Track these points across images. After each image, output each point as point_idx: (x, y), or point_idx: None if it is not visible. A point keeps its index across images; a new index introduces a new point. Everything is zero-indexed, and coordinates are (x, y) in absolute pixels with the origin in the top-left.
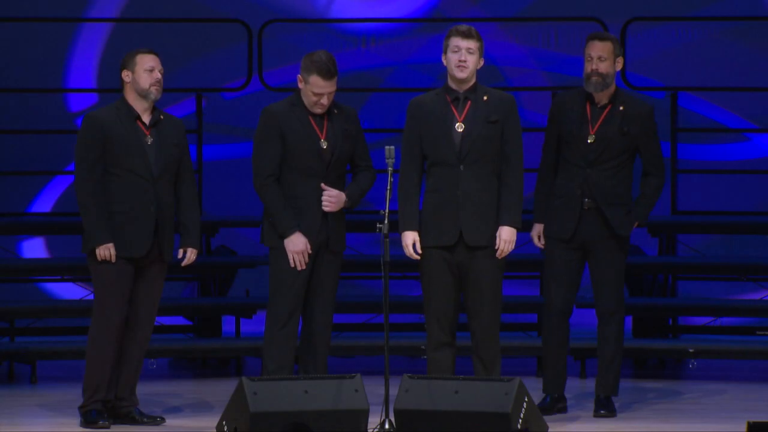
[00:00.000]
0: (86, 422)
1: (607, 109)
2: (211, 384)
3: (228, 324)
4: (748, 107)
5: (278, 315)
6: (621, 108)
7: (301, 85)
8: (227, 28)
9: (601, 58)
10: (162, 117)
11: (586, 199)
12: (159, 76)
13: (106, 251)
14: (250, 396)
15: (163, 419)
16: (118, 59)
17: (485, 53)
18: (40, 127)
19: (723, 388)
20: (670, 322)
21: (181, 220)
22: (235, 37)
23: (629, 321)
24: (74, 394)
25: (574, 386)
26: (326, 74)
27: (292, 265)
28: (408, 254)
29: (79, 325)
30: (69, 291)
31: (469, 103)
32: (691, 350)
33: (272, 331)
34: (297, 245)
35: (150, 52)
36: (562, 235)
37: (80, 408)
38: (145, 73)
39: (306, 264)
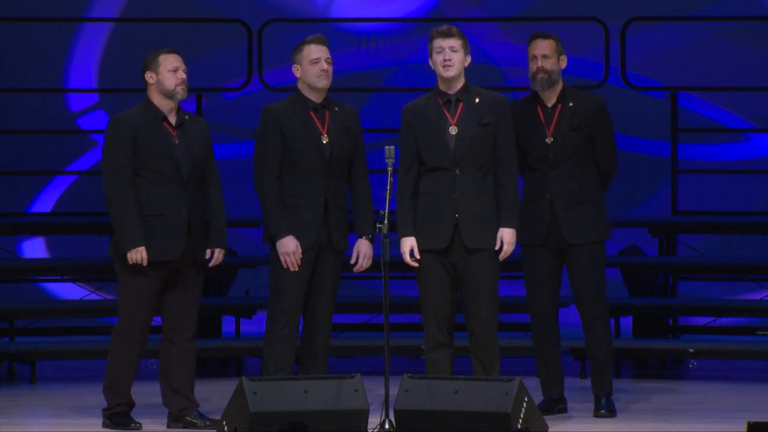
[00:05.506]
0: (115, 424)
1: (558, 108)
2: (211, 384)
3: (228, 324)
4: (748, 107)
5: (278, 315)
6: (570, 104)
7: (297, 73)
8: (227, 28)
9: (545, 56)
10: (187, 117)
11: (554, 204)
12: (183, 75)
13: (137, 255)
14: (250, 396)
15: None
16: (118, 59)
17: (485, 53)
18: (40, 127)
19: (723, 388)
20: (670, 322)
21: (209, 221)
22: (235, 37)
23: (629, 321)
24: (74, 394)
25: (574, 386)
26: (315, 40)
27: (285, 267)
28: (405, 261)
29: (79, 325)
30: (69, 291)
31: (461, 105)
32: (691, 350)
33: (272, 331)
34: (287, 246)
35: (172, 51)
36: (535, 240)
37: (105, 410)
38: (169, 73)
39: (298, 265)
